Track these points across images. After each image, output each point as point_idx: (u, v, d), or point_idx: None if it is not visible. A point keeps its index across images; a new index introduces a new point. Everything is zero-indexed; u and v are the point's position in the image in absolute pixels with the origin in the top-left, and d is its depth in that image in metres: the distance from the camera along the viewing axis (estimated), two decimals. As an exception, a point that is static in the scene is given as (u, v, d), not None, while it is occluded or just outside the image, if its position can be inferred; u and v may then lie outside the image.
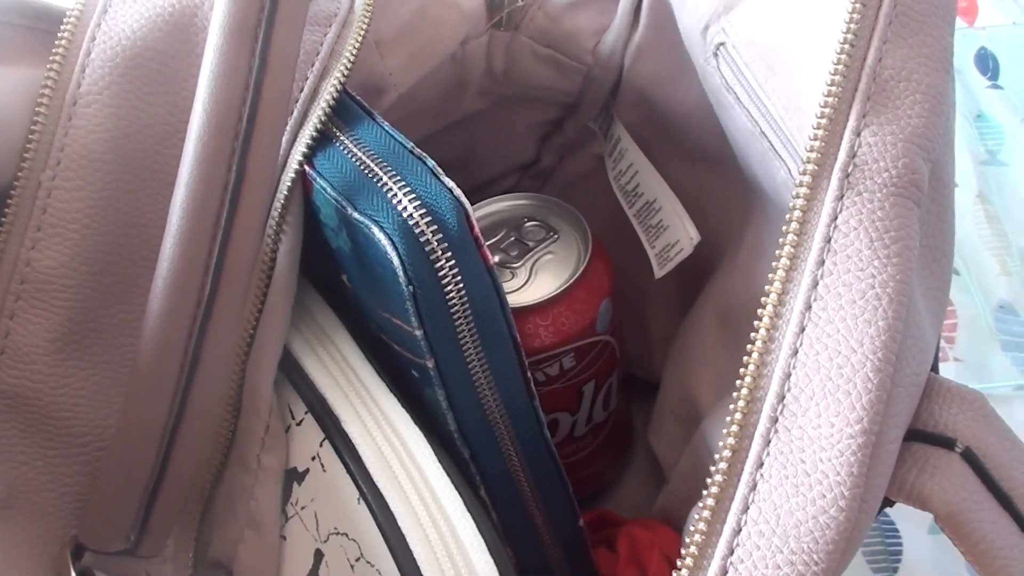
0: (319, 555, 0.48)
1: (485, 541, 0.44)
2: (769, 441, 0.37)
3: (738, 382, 0.38)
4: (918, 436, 0.39)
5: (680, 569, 0.37)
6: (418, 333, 0.45)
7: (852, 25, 0.39)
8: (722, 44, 0.49)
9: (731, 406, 0.38)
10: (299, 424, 0.49)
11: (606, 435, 0.64)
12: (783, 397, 0.37)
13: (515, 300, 0.55)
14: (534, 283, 0.57)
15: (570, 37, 0.61)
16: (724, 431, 0.38)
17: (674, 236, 0.59)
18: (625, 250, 0.62)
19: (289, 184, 0.48)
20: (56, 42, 0.48)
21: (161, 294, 0.44)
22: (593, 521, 0.62)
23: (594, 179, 0.67)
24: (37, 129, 0.47)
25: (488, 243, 0.58)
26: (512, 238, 0.59)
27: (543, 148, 0.70)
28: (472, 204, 0.58)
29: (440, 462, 0.46)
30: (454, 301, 0.45)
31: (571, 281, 0.56)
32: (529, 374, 0.50)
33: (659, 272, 0.60)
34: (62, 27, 0.49)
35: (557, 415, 0.60)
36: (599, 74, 0.61)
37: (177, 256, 0.43)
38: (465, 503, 0.45)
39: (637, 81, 0.60)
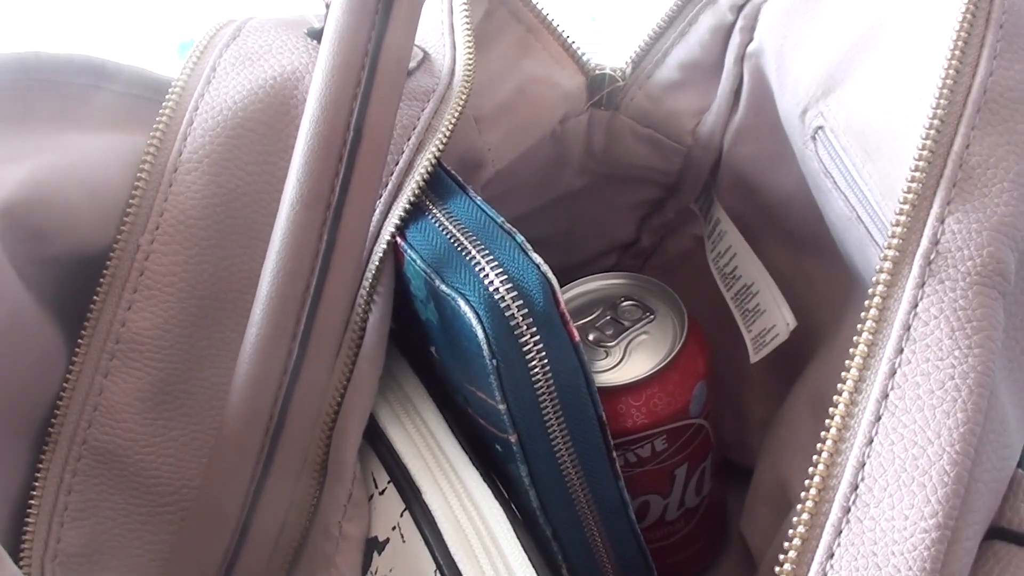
0: (397, 625, 0.48)
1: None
2: (840, 531, 0.36)
3: (810, 469, 0.37)
4: (1000, 534, 0.38)
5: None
6: (501, 408, 0.45)
7: (939, 111, 0.39)
8: (820, 128, 0.49)
9: (802, 494, 0.37)
10: (382, 493, 0.49)
11: (698, 520, 0.63)
12: (856, 487, 0.36)
13: (608, 379, 0.55)
14: (628, 363, 0.56)
15: (670, 117, 0.61)
16: (795, 519, 0.37)
17: (771, 321, 0.58)
18: (724, 333, 0.62)
19: (381, 255, 0.48)
20: (160, 111, 0.50)
21: (249, 359, 0.45)
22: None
23: (694, 260, 0.67)
24: (138, 194, 0.49)
25: (583, 321, 0.58)
26: (608, 317, 0.59)
27: (643, 228, 0.70)
28: (569, 282, 0.59)
29: (519, 539, 0.46)
30: (538, 377, 0.45)
31: (666, 362, 0.55)
32: (615, 454, 0.49)
33: (754, 357, 0.60)
34: (167, 97, 0.50)
35: (648, 498, 0.60)
36: (699, 155, 0.61)
37: (266, 322, 0.44)
38: (542, 580, 0.44)
39: (737, 163, 0.60)
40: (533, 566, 0.45)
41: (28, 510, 0.47)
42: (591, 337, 0.57)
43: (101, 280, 0.48)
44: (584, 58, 0.60)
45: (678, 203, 0.66)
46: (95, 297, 0.48)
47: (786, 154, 0.55)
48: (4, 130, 0.48)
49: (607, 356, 0.57)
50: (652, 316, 0.58)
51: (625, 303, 0.59)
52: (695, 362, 0.57)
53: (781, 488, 0.57)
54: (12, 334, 0.45)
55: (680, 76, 0.60)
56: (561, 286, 0.57)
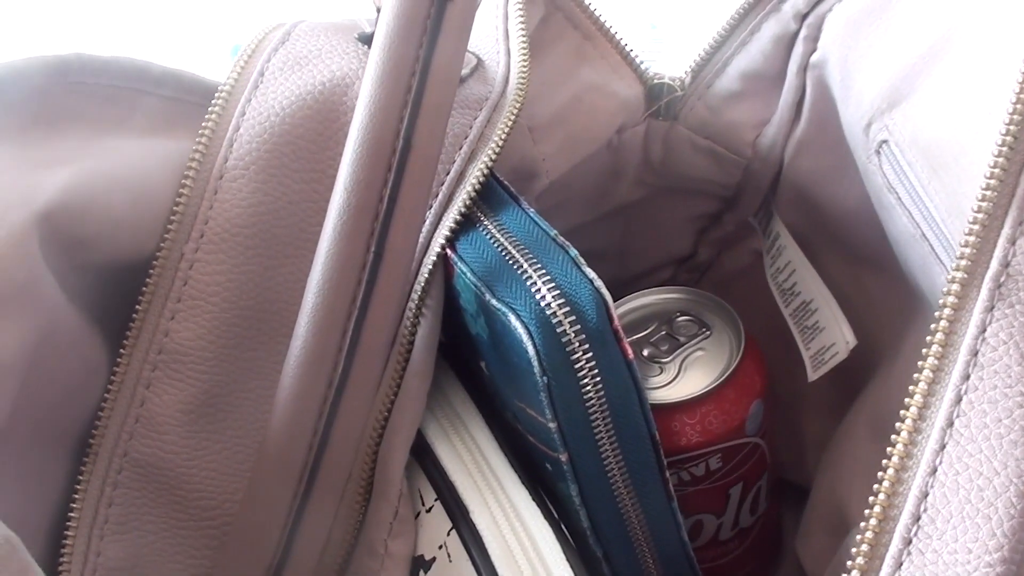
0: (442, 645, 0.47)
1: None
2: (901, 564, 0.35)
3: (871, 498, 0.36)
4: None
5: None
6: (552, 426, 0.44)
7: (1012, 127, 0.37)
8: (885, 142, 0.48)
9: (862, 524, 0.36)
10: (428, 511, 0.48)
11: (752, 541, 0.62)
12: (918, 518, 0.35)
13: (662, 396, 0.54)
14: (683, 379, 0.55)
15: (730, 129, 0.60)
16: (853, 550, 0.36)
17: (830, 339, 0.57)
18: (781, 350, 0.60)
19: (431, 267, 0.47)
20: (207, 116, 0.49)
21: (293, 372, 0.44)
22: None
23: (752, 275, 0.65)
24: (182, 201, 0.48)
25: (638, 336, 0.57)
26: (663, 332, 0.58)
27: (700, 241, 0.68)
28: (624, 296, 0.57)
29: (568, 560, 0.45)
30: (590, 395, 0.43)
31: (721, 379, 0.54)
32: (668, 474, 0.48)
33: (812, 375, 0.58)
34: (213, 101, 0.50)
35: (702, 517, 0.58)
36: (759, 168, 0.60)
37: (311, 335, 0.43)
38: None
39: (797, 177, 0.58)
40: (582, 588, 0.44)
41: (67, 523, 0.46)
42: (646, 352, 0.56)
43: (144, 289, 0.48)
44: (643, 67, 0.59)
45: (737, 216, 0.65)
46: (138, 306, 0.48)
47: (849, 168, 0.53)
48: (46, 133, 0.47)
49: (662, 372, 0.56)
50: (708, 332, 0.57)
51: (681, 318, 0.58)
52: (752, 379, 0.56)
53: (839, 511, 0.55)
54: (52, 343, 0.45)
55: (741, 86, 0.58)
56: (616, 300, 0.56)
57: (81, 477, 0.47)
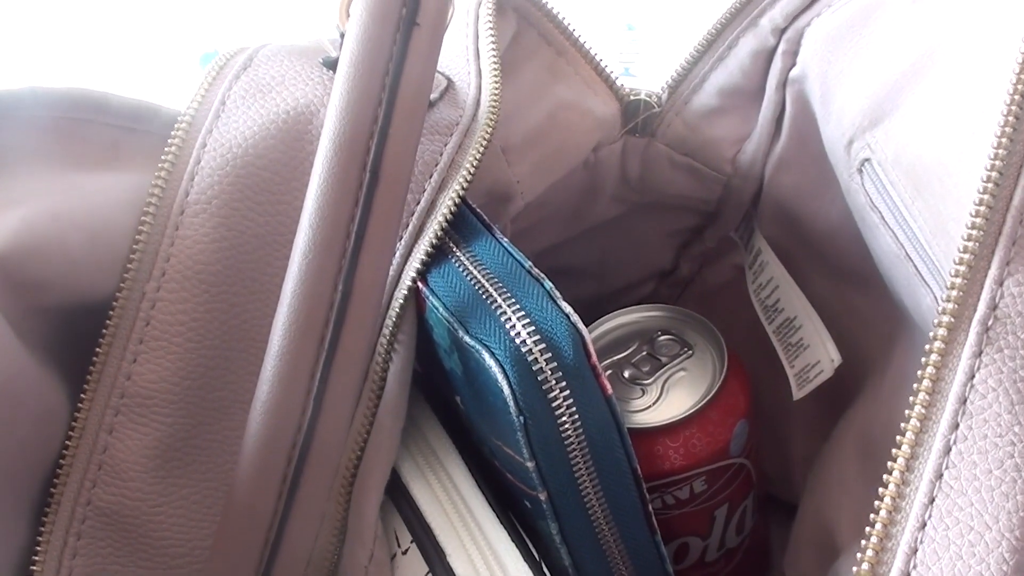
0: None
1: None
2: None
3: (859, 555, 0.35)
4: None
5: None
6: (530, 465, 0.43)
7: (997, 162, 0.36)
8: (867, 160, 0.47)
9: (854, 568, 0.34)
10: (404, 553, 0.47)
11: (739, 561, 0.61)
12: (908, 575, 0.34)
13: (644, 420, 0.53)
14: (665, 402, 0.54)
15: (709, 145, 0.58)
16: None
17: (814, 356, 0.56)
18: (765, 364, 0.59)
19: (402, 301, 0.46)
20: (166, 148, 0.48)
21: (260, 418, 0.42)
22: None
23: (734, 289, 0.64)
24: (142, 239, 0.46)
25: (618, 357, 0.56)
26: (644, 352, 0.56)
27: (681, 256, 0.67)
28: (605, 313, 0.56)
29: (549, 603, 0.44)
30: (568, 433, 0.42)
31: (705, 401, 0.53)
32: (650, 508, 0.47)
33: (797, 394, 0.57)
34: (173, 132, 0.48)
35: (687, 539, 0.57)
36: (739, 184, 0.59)
37: (277, 379, 0.42)
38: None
39: (779, 193, 0.57)
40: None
41: None
42: (627, 374, 0.55)
43: (104, 331, 0.46)
44: (618, 83, 0.58)
45: (718, 231, 0.64)
46: (98, 349, 0.46)
47: (831, 185, 0.52)
48: None
49: (643, 395, 0.55)
50: (690, 351, 0.56)
51: (662, 337, 0.57)
52: (736, 400, 0.55)
53: (826, 532, 0.54)
54: (7, 392, 0.43)
55: (719, 102, 0.57)
56: (596, 318, 0.55)
57: (43, 529, 0.45)
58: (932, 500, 0.34)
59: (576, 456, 0.43)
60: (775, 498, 0.66)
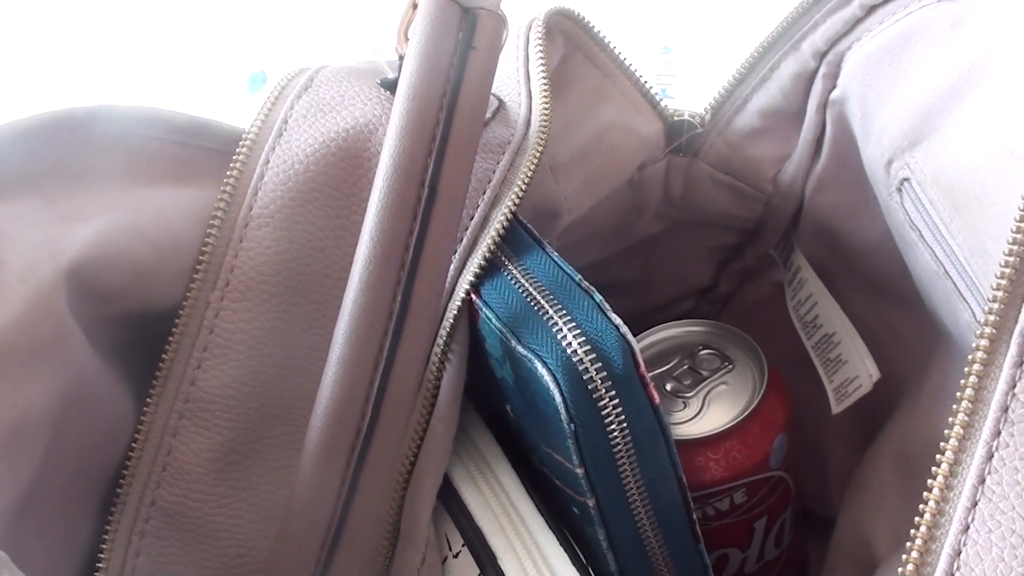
0: None
1: None
2: None
3: (904, 556, 0.36)
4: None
5: None
6: (579, 471, 0.45)
7: None
8: (906, 180, 0.48)
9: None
10: (456, 556, 0.49)
11: (778, 573, 0.62)
12: None
13: (686, 432, 0.54)
14: (706, 414, 0.55)
15: (750, 165, 0.60)
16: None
17: (853, 371, 0.57)
18: (804, 380, 0.60)
19: (455, 312, 0.47)
20: (231, 164, 0.49)
21: (320, 423, 0.44)
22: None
23: (774, 306, 0.66)
24: (208, 250, 0.48)
25: (660, 370, 0.57)
26: (685, 366, 0.58)
27: (722, 273, 0.69)
28: (646, 328, 0.58)
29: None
30: (617, 440, 0.44)
31: (745, 414, 0.54)
32: (695, 516, 0.48)
33: (836, 408, 0.58)
34: (237, 150, 0.50)
35: (727, 551, 0.58)
36: (779, 203, 0.60)
37: (338, 385, 0.44)
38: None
39: (818, 212, 0.59)
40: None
41: (95, 573, 0.47)
42: (668, 387, 0.56)
43: (170, 339, 0.48)
44: (662, 104, 0.59)
45: (758, 249, 0.65)
46: (164, 356, 0.48)
47: (870, 204, 0.53)
48: (71, 186, 0.47)
49: (685, 407, 0.56)
50: (731, 365, 0.57)
51: (703, 351, 0.58)
52: (775, 413, 0.56)
53: (864, 544, 0.55)
54: (80, 396, 0.45)
55: (761, 123, 0.59)
56: (638, 332, 0.56)
57: (108, 527, 0.47)
58: (975, 504, 0.35)
59: (624, 463, 0.44)
60: (812, 513, 0.67)
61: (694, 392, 0.56)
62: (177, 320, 0.48)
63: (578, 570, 0.46)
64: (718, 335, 0.59)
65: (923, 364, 0.54)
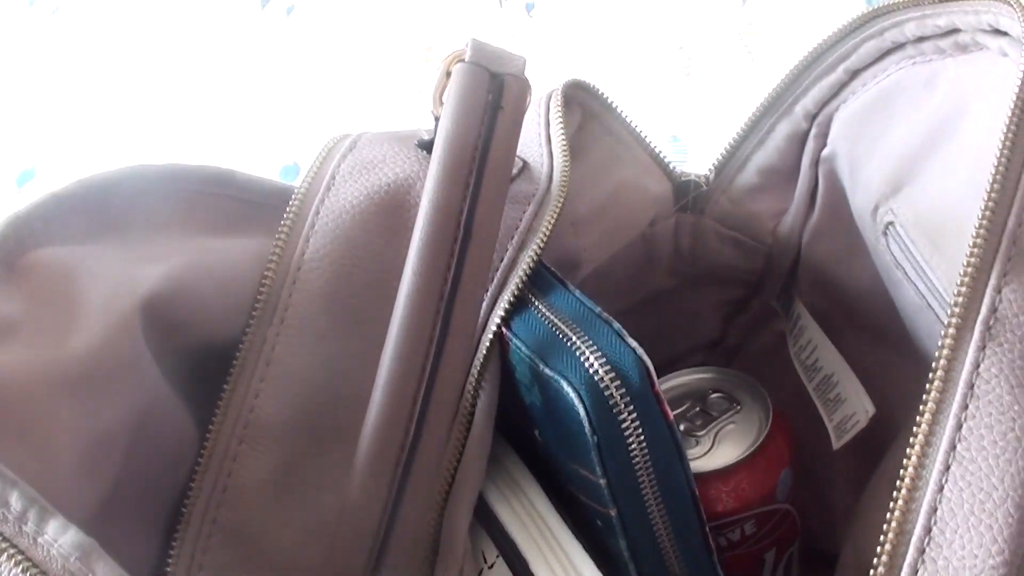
0: None
1: None
2: (916, 571, 0.39)
3: (888, 515, 0.41)
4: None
5: None
6: (602, 482, 0.49)
7: (993, 195, 0.43)
8: (890, 224, 0.53)
9: (880, 537, 0.40)
10: (490, 568, 0.52)
11: (788, 605, 0.66)
12: (930, 530, 0.40)
13: (698, 466, 0.58)
14: (717, 450, 0.60)
15: (751, 219, 0.65)
16: (874, 560, 0.40)
17: (851, 408, 0.61)
18: (807, 424, 0.64)
19: (488, 344, 0.52)
20: (285, 214, 0.55)
21: (369, 438, 0.48)
22: None
23: (777, 355, 0.70)
24: (264, 290, 0.53)
25: (674, 413, 0.60)
26: (697, 408, 0.62)
27: (728, 326, 0.73)
28: (659, 377, 0.62)
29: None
30: (635, 452, 0.48)
31: (752, 449, 0.59)
32: (707, 528, 0.52)
33: (837, 444, 0.63)
34: (291, 201, 0.55)
35: (739, 582, 0.62)
36: (779, 253, 0.65)
37: (386, 403, 0.48)
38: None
39: (814, 260, 0.64)
40: (635, 630, 0.48)
41: None
42: (682, 427, 0.60)
43: (231, 369, 0.52)
44: (670, 167, 0.65)
45: (761, 301, 0.70)
46: (225, 385, 0.52)
47: (861, 250, 0.58)
48: (142, 233, 0.52)
49: (697, 444, 0.60)
50: (739, 407, 0.62)
51: (713, 395, 0.63)
52: (780, 450, 0.60)
53: (865, 569, 0.59)
54: (151, 418, 0.50)
55: (760, 180, 0.64)
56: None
57: (174, 543, 0.51)
58: (948, 467, 0.40)
59: (642, 474, 0.48)
60: (819, 551, 0.71)
61: (705, 431, 0.61)
62: (237, 352, 0.53)
63: (604, 572, 0.50)
64: (726, 380, 0.63)
65: (914, 399, 0.58)
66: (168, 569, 0.50)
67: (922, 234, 0.51)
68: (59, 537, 0.40)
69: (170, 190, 0.54)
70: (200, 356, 0.53)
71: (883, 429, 0.61)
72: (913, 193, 0.52)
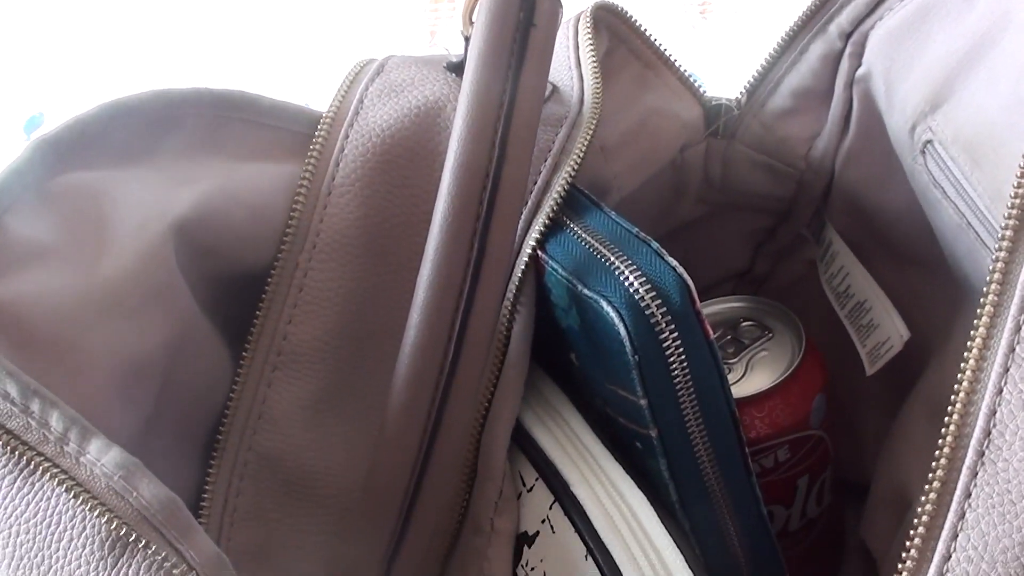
0: (548, 613, 0.51)
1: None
2: (976, 473, 0.39)
3: (946, 419, 0.40)
4: None
5: (892, 597, 0.39)
6: (642, 403, 0.48)
7: None
8: (929, 142, 0.52)
9: (939, 441, 0.40)
10: (530, 490, 0.52)
11: (818, 533, 0.65)
12: (989, 432, 0.39)
13: (732, 393, 0.57)
14: (750, 377, 0.59)
15: (783, 144, 0.64)
16: (933, 464, 0.40)
17: (884, 334, 0.61)
18: (837, 353, 0.64)
19: (523, 268, 0.51)
20: (314, 139, 0.54)
21: (408, 360, 0.48)
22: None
23: (806, 285, 0.70)
24: (296, 215, 0.53)
25: (707, 340, 0.61)
26: (728, 337, 0.62)
27: (757, 255, 0.73)
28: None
29: (664, 524, 0.48)
30: (676, 372, 0.47)
31: (786, 375, 0.58)
32: (747, 450, 0.52)
33: (870, 370, 0.62)
34: (319, 126, 0.55)
35: (772, 508, 0.61)
36: (811, 179, 0.65)
37: (424, 325, 0.47)
38: (687, 560, 0.47)
39: (848, 185, 0.63)
40: (678, 547, 0.48)
41: (200, 511, 0.50)
42: (714, 355, 0.60)
43: (263, 296, 0.52)
44: (701, 90, 0.64)
45: (791, 229, 0.69)
46: (258, 312, 0.52)
47: (896, 173, 0.58)
48: (172, 159, 0.52)
49: (730, 372, 0.60)
50: (771, 334, 0.61)
51: (745, 324, 0.62)
52: (813, 375, 0.60)
53: (899, 491, 0.59)
54: (187, 345, 0.49)
55: (792, 103, 0.63)
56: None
57: (211, 470, 0.51)
58: (1007, 369, 0.39)
59: (683, 393, 0.48)
60: (848, 480, 0.71)
61: (738, 359, 0.60)
62: (269, 279, 0.52)
63: (644, 493, 0.50)
64: (757, 308, 0.63)
65: (949, 324, 0.58)
66: (205, 495, 0.51)
67: (962, 150, 0.50)
68: (102, 456, 0.40)
69: (195, 113, 0.53)
70: (233, 283, 0.52)
71: (915, 355, 0.61)
72: (953, 109, 0.52)
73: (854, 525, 0.67)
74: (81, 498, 0.39)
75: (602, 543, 0.48)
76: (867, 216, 0.62)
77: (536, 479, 0.52)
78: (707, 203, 0.68)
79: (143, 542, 0.39)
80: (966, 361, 0.41)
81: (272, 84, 1.07)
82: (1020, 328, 0.40)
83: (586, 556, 0.48)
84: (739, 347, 0.61)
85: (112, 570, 0.40)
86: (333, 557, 0.51)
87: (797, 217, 0.68)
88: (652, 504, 0.49)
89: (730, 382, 0.58)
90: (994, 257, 0.41)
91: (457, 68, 0.55)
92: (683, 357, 0.47)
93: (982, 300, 0.41)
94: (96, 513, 0.39)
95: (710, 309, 0.63)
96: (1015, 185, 0.41)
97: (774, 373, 0.59)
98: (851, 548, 0.70)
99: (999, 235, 0.41)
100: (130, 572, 0.39)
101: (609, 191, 0.61)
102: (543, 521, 0.51)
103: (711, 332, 0.48)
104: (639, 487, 0.50)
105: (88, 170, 0.49)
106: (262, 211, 0.52)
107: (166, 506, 0.40)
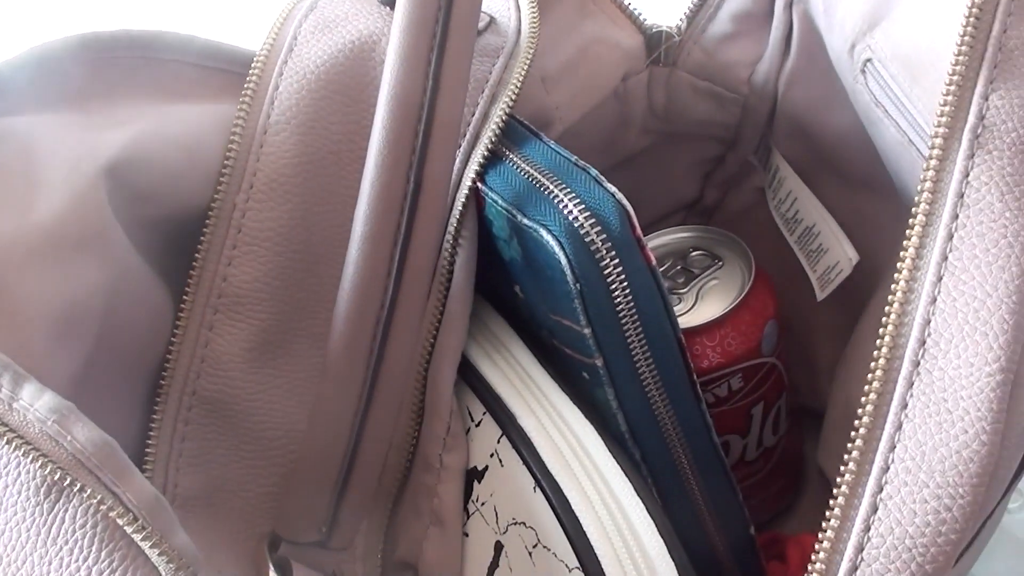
0: (499, 547, 0.50)
1: (655, 523, 0.46)
2: (912, 383, 0.39)
3: (880, 330, 0.40)
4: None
5: (832, 508, 0.39)
6: (586, 332, 0.48)
7: (977, 1, 0.42)
8: (868, 60, 0.52)
9: (874, 352, 0.40)
10: (478, 425, 0.52)
11: (776, 460, 0.66)
12: (923, 342, 0.39)
13: (683, 322, 0.57)
14: (700, 306, 0.59)
15: (726, 69, 0.64)
16: (868, 376, 0.40)
17: (834, 258, 0.61)
18: (788, 281, 0.64)
19: (463, 201, 0.51)
20: (247, 77, 0.53)
21: (347, 296, 0.47)
22: (764, 543, 0.63)
23: (756, 213, 0.69)
24: (232, 156, 0.52)
25: (655, 272, 0.61)
26: (678, 267, 0.61)
27: (706, 185, 0.72)
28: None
29: (611, 452, 0.48)
30: (619, 299, 0.47)
31: (736, 303, 0.58)
32: (695, 376, 0.51)
33: (821, 295, 0.62)
34: (252, 65, 0.54)
35: (728, 438, 0.62)
36: (755, 103, 0.64)
37: (362, 260, 0.47)
38: (635, 488, 0.47)
39: (791, 108, 0.63)
40: (626, 475, 0.47)
41: (145, 458, 0.50)
42: (665, 286, 0.60)
43: (201, 239, 0.51)
44: (640, 18, 0.63)
45: (738, 156, 0.69)
46: (196, 255, 0.51)
47: (838, 94, 0.57)
48: (102, 103, 0.51)
49: (680, 302, 0.59)
50: (720, 263, 0.61)
51: (694, 253, 0.62)
52: (764, 303, 0.60)
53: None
54: (124, 290, 0.49)
55: (733, 28, 0.63)
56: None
57: (155, 416, 0.50)
58: (940, 278, 0.39)
59: (627, 321, 0.47)
60: (805, 407, 0.71)
61: (688, 288, 0.60)
62: (207, 221, 0.52)
63: (591, 423, 0.49)
64: (706, 237, 0.63)
65: (897, 244, 0.58)
66: (150, 441, 0.50)
67: (901, 67, 0.50)
68: (35, 401, 0.39)
69: (125, 56, 0.52)
70: (171, 227, 0.52)
71: (865, 278, 0.61)
72: (890, 26, 0.51)
73: (814, 452, 0.68)
74: (14, 444, 0.39)
75: (550, 474, 0.48)
76: (812, 139, 0.62)
77: (484, 413, 0.52)
78: (653, 133, 0.68)
79: (78, 486, 0.39)
80: (899, 272, 0.40)
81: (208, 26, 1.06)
82: (952, 236, 0.39)
83: (535, 488, 0.48)
84: (689, 277, 0.61)
85: (48, 515, 0.39)
86: (281, 498, 0.51)
87: (744, 144, 0.67)
88: (600, 434, 0.49)
89: (680, 312, 0.58)
90: (925, 166, 0.41)
91: (391, 2, 0.54)
92: (625, 283, 0.47)
93: (913, 210, 0.41)
94: (30, 459, 0.39)
95: (659, 240, 0.63)
96: (944, 93, 0.41)
97: (724, 301, 0.59)
98: (811, 474, 0.70)
99: (929, 144, 0.41)
100: (66, 517, 0.39)
101: (552, 122, 0.60)
102: (492, 455, 0.51)
103: (652, 257, 0.48)
104: (587, 418, 0.50)
105: (11, 115, 0.48)
106: (197, 152, 0.52)
107: (101, 449, 0.39)
